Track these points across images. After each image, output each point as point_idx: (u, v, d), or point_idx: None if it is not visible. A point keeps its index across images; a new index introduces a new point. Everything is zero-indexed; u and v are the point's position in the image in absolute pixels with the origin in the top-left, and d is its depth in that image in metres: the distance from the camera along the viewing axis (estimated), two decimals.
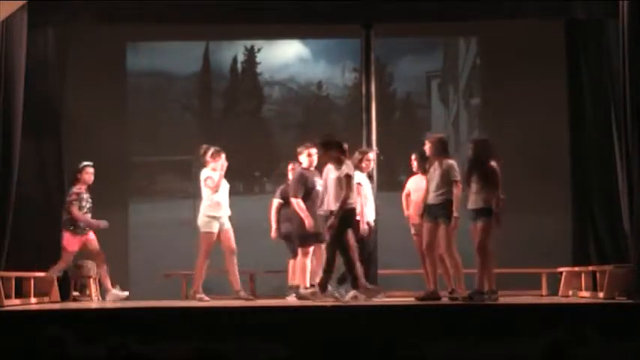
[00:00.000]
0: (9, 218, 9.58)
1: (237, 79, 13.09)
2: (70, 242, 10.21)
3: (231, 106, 13.10)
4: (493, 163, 8.89)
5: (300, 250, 9.70)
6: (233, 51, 12.97)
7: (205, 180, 9.87)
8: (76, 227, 10.21)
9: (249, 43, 12.88)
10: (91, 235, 10.30)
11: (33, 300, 9.71)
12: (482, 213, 8.81)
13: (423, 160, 9.64)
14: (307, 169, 9.80)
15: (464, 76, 13.04)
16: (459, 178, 9.17)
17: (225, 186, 9.96)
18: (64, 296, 10.36)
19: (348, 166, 9.23)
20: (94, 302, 10.54)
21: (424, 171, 9.58)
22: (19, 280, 9.58)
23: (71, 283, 10.68)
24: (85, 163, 10.34)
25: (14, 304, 9.09)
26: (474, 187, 8.90)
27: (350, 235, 9.19)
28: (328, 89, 13.03)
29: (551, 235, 11.27)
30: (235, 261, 9.89)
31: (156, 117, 12.77)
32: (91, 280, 10.78)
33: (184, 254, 10.49)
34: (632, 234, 9.21)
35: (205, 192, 9.88)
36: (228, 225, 9.93)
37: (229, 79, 13.08)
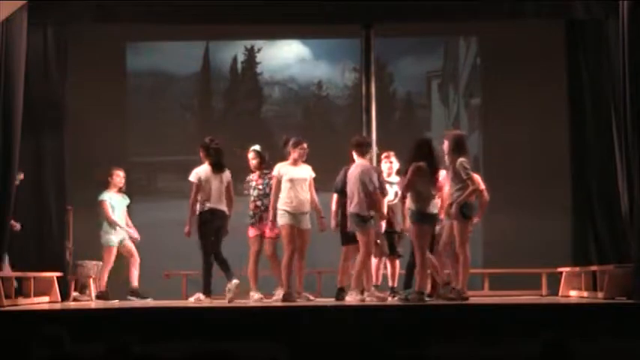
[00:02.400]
0: (9, 218, 9.59)
1: (237, 79, 13.07)
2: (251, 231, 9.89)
3: (231, 106, 13.09)
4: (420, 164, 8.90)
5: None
6: (233, 51, 12.96)
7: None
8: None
9: (249, 43, 12.87)
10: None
11: (33, 300, 9.71)
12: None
13: None
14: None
15: (464, 76, 13.02)
16: (469, 175, 9.05)
17: (300, 179, 9.60)
18: (64, 296, 10.36)
19: (193, 172, 9.53)
20: (94, 302, 10.54)
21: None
22: (19, 280, 9.58)
23: (71, 283, 10.68)
24: (253, 147, 10.03)
25: (14, 304, 9.09)
26: None
27: (209, 238, 9.39)
28: (328, 89, 13.01)
29: (551, 235, 11.27)
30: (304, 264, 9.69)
31: (156, 117, 12.76)
32: (91, 280, 10.78)
33: (184, 254, 10.47)
34: (632, 234, 9.21)
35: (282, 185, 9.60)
36: (307, 224, 9.59)
37: (229, 79, 13.07)
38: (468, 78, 12.98)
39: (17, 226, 10.14)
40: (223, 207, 9.60)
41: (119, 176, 10.59)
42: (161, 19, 10.39)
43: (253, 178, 9.92)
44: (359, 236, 9.26)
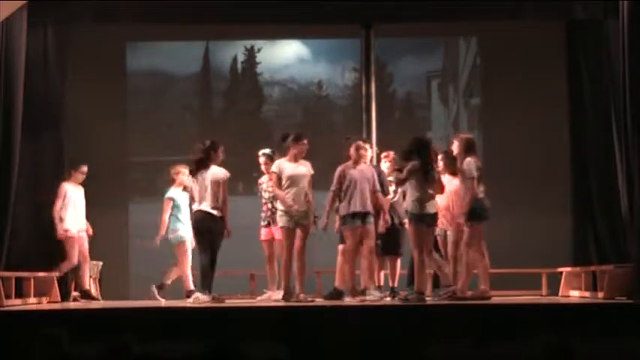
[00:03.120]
0: (9, 218, 9.59)
1: (237, 79, 13.08)
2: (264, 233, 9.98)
3: (231, 106, 13.10)
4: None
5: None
6: (233, 51, 12.97)
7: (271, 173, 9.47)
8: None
9: (249, 43, 12.88)
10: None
11: (33, 300, 9.71)
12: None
13: (450, 160, 9.57)
14: (350, 164, 9.60)
15: (464, 76, 13.03)
16: (473, 175, 9.07)
17: (301, 176, 9.34)
18: (64, 296, 10.35)
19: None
20: (94, 302, 10.53)
21: (452, 172, 9.53)
22: (19, 280, 9.58)
23: (71, 283, 10.67)
24: (263, 151, 10.02)
25: (14, 304, 9.09)
26: None
27: (204, 239, 9.28)
28: (328, 89, 13.02)
29: (551, 235, 11.27)
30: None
31: (156, 117, 12.77)
32: (91, 280, 10.78)
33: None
34: (632, 234, 9.21)
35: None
36: (306, 220, 9.31)
37: (229, 79, 13.07)
38: (468, 78, 12.99)
39: (90, 230, 10.41)
40: (208, 208, 9.33)
41: (185, 174, 10.30)
42: (161, 19, 10.39)
43: (264, 180, 9.86)
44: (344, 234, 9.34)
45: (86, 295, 10.38)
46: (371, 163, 9.92)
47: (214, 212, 9.32)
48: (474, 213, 9.07)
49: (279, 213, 9.37)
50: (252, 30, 12.09)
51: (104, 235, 11.63)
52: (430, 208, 9.00)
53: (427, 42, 12.93)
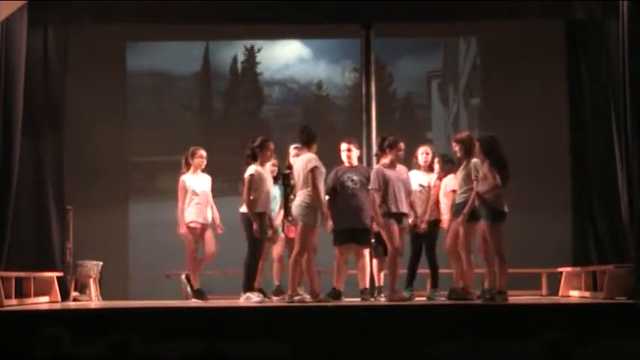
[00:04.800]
0: (9, 218, 9.59)
1: (237, 79, 13.08)
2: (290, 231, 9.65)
3: (231, 106, 13.10)
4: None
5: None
6: (233, 51, 12.97)
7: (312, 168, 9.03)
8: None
9: (249, 43, 12.88)
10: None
11: (33, 300, 9.71)
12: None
13: (445, 162, 9.61)
14: (343, 165, 9.61)
15: (464, 76, 13.03)
16: (476, 178, 9.03)
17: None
18: (64, 296, 10.35)
19: (250, 168, 9.37)
20: (94, 302, 10.54)
21: (446, 174, 9.55)
22: (19, 280, 9.59)
23: (71, 283, 10.68)
24: (296, 145, 9.70)
25: (14, 304, 9.09)
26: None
27: (253, 238, 9.26)
28: (328, 89, 13.02)
29: (551, 235, 11.27)
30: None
31: (156, 117, 12.77)
32: (91, 280, 10.78)
33: (184, 254, 10.47)
34: (632, 234, 9.21)
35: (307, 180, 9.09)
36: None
37: (229, 79, 13.08)
38: (467, 78, 12.99)
39: (219, 228, 9.98)
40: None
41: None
42: (161, 19, 10.39)
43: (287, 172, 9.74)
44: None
45: (199, 294, 9.78)
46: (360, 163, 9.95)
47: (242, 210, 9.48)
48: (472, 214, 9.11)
49: (305, 210, 9.09)
50: (252, 30, 12.09)
51: (104, 235, 11.65)
52: (504, 207, 8.97)
53: (427, 42, 12.93)
